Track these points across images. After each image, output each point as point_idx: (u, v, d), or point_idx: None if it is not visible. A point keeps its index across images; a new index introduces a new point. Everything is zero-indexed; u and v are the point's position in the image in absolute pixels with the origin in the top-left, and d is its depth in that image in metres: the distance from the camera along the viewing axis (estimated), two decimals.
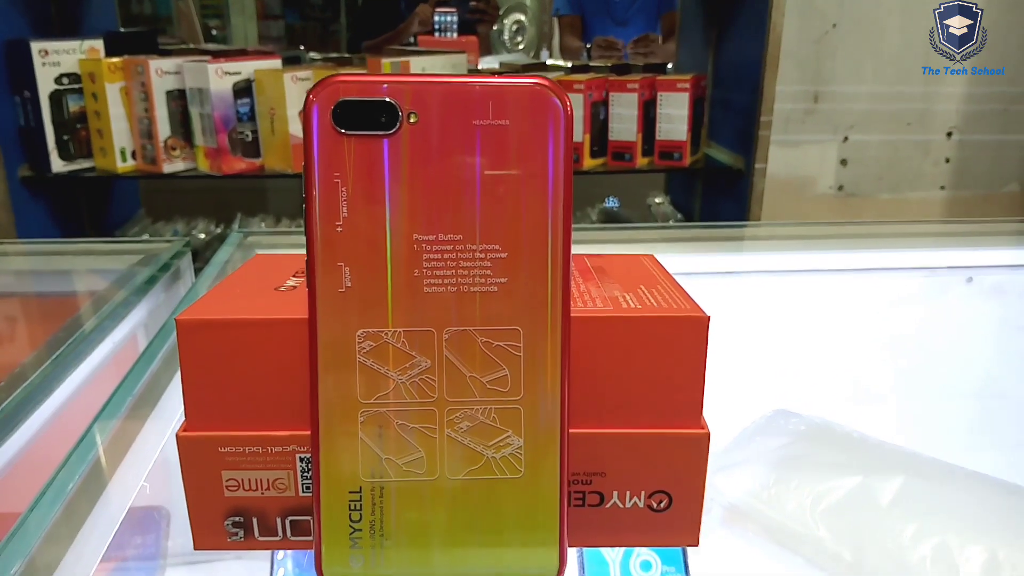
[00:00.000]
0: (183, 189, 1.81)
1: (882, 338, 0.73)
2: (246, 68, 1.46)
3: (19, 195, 1.46)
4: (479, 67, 2.11)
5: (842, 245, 0.82)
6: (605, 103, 1.55)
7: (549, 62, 2.14)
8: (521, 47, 3.34)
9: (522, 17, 3.40)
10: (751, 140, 1.49)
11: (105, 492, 0.45)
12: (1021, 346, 0.76)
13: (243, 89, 1.46)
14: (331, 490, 0.30)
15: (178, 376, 0.32)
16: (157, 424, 0.51)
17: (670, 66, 2.04)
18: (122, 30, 1.92)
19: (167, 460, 0.49)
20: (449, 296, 0.29)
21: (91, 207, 1.72)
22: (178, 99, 1.47)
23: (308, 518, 0.33)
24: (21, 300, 0.79)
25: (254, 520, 0.33)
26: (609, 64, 1.78)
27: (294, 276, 0.37)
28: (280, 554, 0.52)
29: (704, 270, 0.77)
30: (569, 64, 1.94)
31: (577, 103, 1.51)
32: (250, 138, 1.49)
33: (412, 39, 2.44)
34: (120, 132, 1.47)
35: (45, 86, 1.43)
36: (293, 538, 0.33)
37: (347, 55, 1.88)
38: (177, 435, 0.32)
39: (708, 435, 0.32)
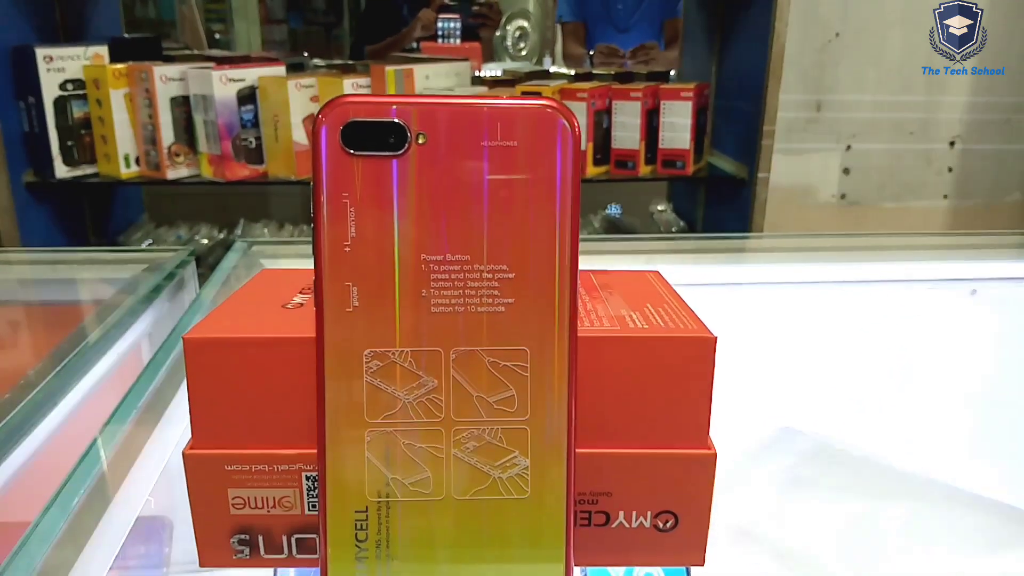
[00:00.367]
0: (186, 195, 1.81)
1: (885, 351, 0.73)
2: (250, 75, 1.47)
3: (23, 200, 1.46)
4: (482, 73, 2.11)
5: (845, 257, 0.82)
6: (608, 111, 1.55)
7: (552, 69, 2.14)
8: (524, 53, 3.35)
9: (525, 23, 3.41)
10: (754, 149, 1.50)
11: (111, 503, 0.45)
12: None
13: (247, 96, 1.46)
14: (337, 509, 0.30)
15: (183, 387, 0.32)
16: (162, 435, 0.51)
17: (673, 73, 2.04)
18: (126, 36, 1.92)
19: (170, 470, 0.50)
20: (456, 316, 0.29)
21: (95, 213, 1.72)
22: (182, 105, 1.48)
23: (314, 536, 0.33)
24: (26, 309, 0.79)
25: (260, 538, 0.33)
26: (612, 72, 1.78)
27: (301, 292, 0.37)
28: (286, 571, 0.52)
29: (707, 281, 0.77)
30: (572, 72, 1.94)
31: (580, 111, 1.51)
32: (254, 145, 1.49)
33: (415, 44, 2.44)
34: (124, 138, 1.47)
35: (49, 92, 1.43)
36: (299, 556, 0.34)
37: (351, 62, 1.88)
38: (183, 453, 0.32)
39: (715, 456, 0.32)
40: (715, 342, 0.32)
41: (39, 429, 0.54)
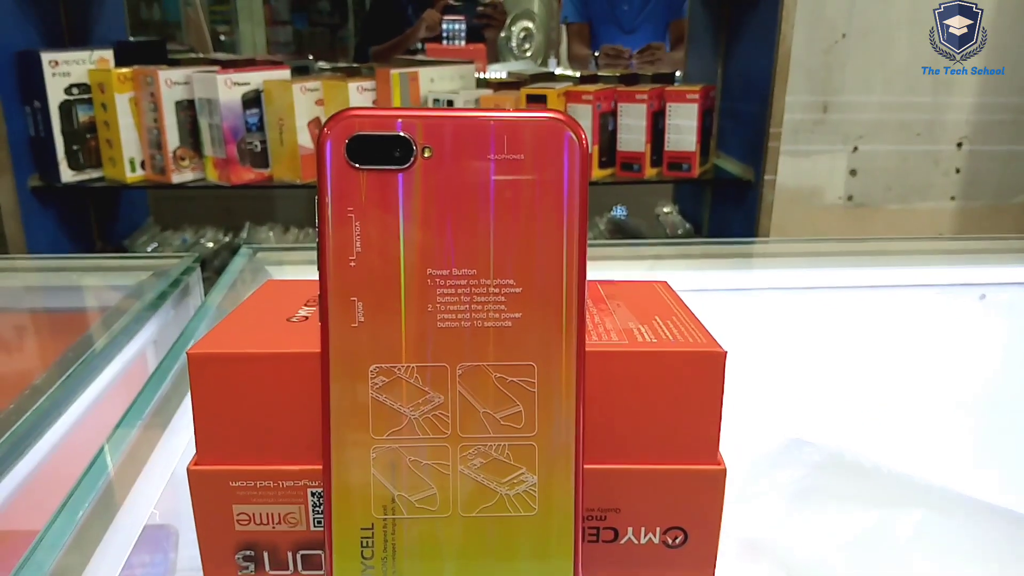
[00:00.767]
0: (192, 198, 1.81)
1: (894, 356, 0.73)
2: (255, 79, 1.47)
3: (29, 204, 1.46)
4: (487, 75, 2.11)
5: (852, 262, 0.82)
6: (614, 114, 1.55)
7: (557, 71, 2.14)
8: (529, 54, 3.35)
9: (530, 24, 3.41)
10: (760, 151, 1.49)
11: (118, 512, 0.45)
12: None
13: (252, 100, 1.46)
14: (343, 526, 0.30)
15: (188, 396, 0.32)
16: (168, 443, 0.51)
17: (679, 74, 2.04)
18: (131, 39, 1.93)
19: (176, 478, 0.49)
20: (463, 331, 0.29)
21: (100, 216, 1.72)
22: (187, 109, 1.48)
23: (319, 552, 0.33)
24: (32, 316, 0.79)
25: (265, 554, 0.33)
26: (618, 74, 1.78)
27: (306, 305, 0.37)
28: None
29: (714, 287, 0.77)
30: (578, 74, 1.93)
31: (586, 113, 1.51)
32: (259, 148, 1.49)
33: (420, 45, 2.44)
34: (129, 142, 1.48)
35: (55, 96, 1.43)
36: (305, 572, 0.33)
37: (355, 65, 1.88)
38: (188, 469, 0.32)
39: (724, 471, 0.32)
40: (725, 356, 0.31)
41: (45, 438, 0.54)
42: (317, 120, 1.48)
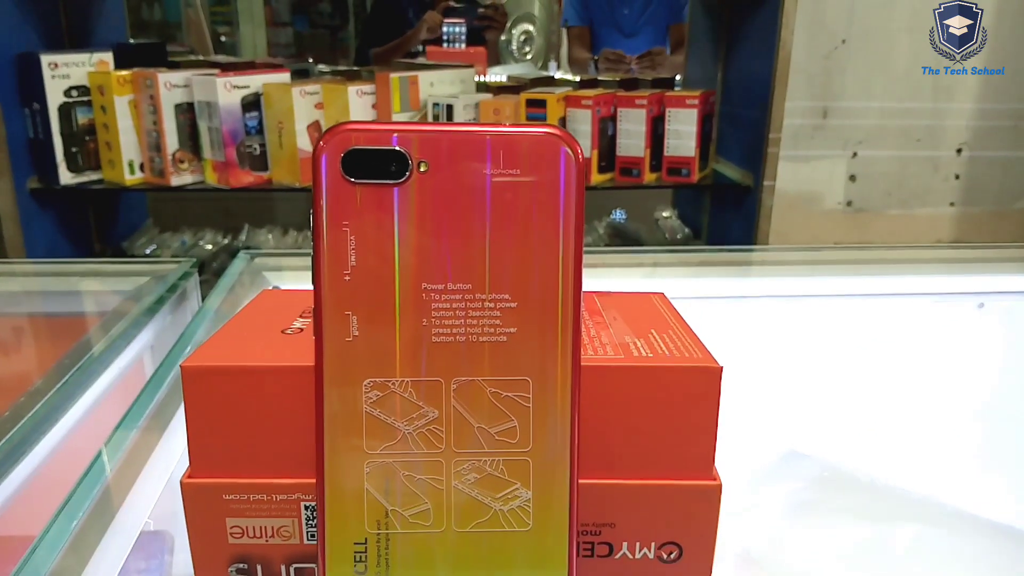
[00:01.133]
0: (191, 200, 1.81)
1: (891, 366, 0.73)
2: (255, 82, 1.46)
3: (27, 207, 1.46)
4: (487, 79, 2.11)
5: (851, 270, 0.82)
6: (613, 119, 1.55)
7: (557, 76, 2.14)
8: (529, 57, 3.35)
9: (530, 27, 3.41)
10: (760, 156, 1.49)
11: (115, 518, 0.45)
12: None
13: (252, 103, 1.46)
14: (336, 540, 0.30)
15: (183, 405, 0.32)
16: (165, 449, 0.51)
17: (678, 78, 2.04)
18: (132, 41, 1.93)
19: (172, 484, 0.49)
20: (458, 346, 0.29)
21: (99, 218, 1.72)
22: (187, 112, 1.47)
23: (313, 566, 0.33)
24: (28, 320, 0.79)
25: (258, 567, 0.33)
26: (617, 79, 1.78)
27: (301, 316, 0.37)
28: None
29: (711, 294, 0.77)
30: (577, 78, 1.93)
31: (585, 118, 1.51)
32: (258, 152, 1.49)
33: (421, 47, 2.44)
34: (128, 145, 1.47)
35: (54, 99, 1.43)
36: None
37: (355, 68, 1.88)
38: (181, 481, 0.32)
39: (720, 486, 0.32)
40: (721, 372, 0.31)
41: (42, 443, 0.54)
42: (316, 124, 1.48)
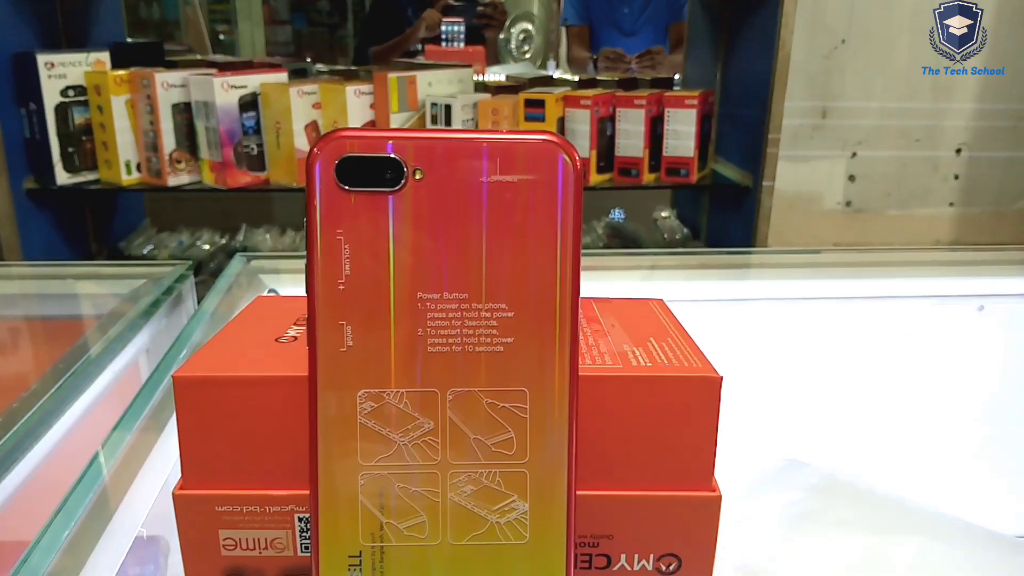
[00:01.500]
0: (188, 200, 1.81)
1: (891, 370, 0.72)
2: (252, 82, 1.46)
3: (24, 207, 1.46)
4: (485, 78, 2.10)
5: (850, 272, 0.81)
6: (612, 119, 1.54)
7: (556, 75, 2.14)
8: (528, 56, 3.35)
9: (529, 26, 3.41)
10: (759, 157, 1.49)
11: (110, 524, 0.44)
12: None
13: (249, 103, 1.46)
14: (330, 553, 0.29)
15: None
16: (160, 453, 0.51)
17: (677, 77, 2.03)
18: (129, 40, 1.92)
19: (167, 489, 0.49)
20: (453, 356, 0.29)
21: (96, 219, 1.72)
22: (184, 112, 1.47)
23: None
24: (23, 324, 0.78)
25: None
26: (616, 79, 1.78)
27: (295, 324, 0.36)
28: None
29: (709, 297, 0.76)
30: (576, 78, 1.93)
31: (584, 118, 1.51)
32: (255, 152, 1.49)
33: (419, 46, 2.44)
34: (125, 145, 1.47)
35: (51, 98, 1.43)
36: None
37: (353, 67, 1.88)
38: (173, 493, 0.32)
39: (719, 498, 0.32)
40: (720, 382, 0.31)
41: (37, 448, 0.53)
42: (314, 124, 1.48)
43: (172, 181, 1.48)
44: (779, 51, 1.44)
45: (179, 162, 1.48)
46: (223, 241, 1.77)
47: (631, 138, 1.54)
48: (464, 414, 0.29)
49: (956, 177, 1.70)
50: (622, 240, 1.80)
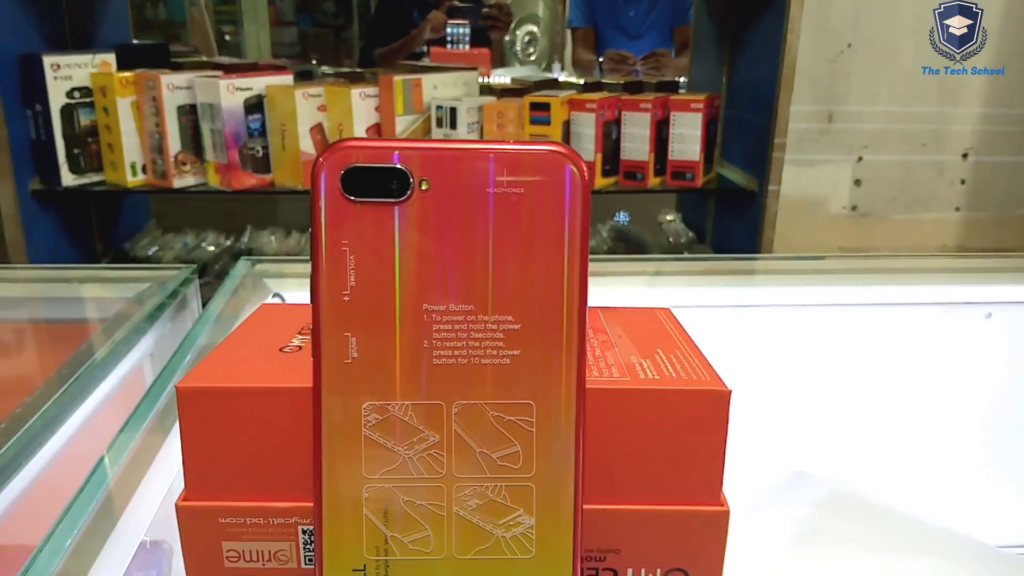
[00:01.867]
0: (194, 201, 1.81)
1: (898, 377, 0.72)
2: (257, 84, 1.46)
3: (29, 208, 1.46)
4: (491, 80, 2.10)
5: (856, 279, 0.81)
6: (617, 122, 1.54)
7: (561, 78, 2.13)
8: (533, 58, 3.35)
9: (534, 28, 3.41)
10: (764, 161, 1.48)
11: (114, 529, 0.44)
12: None
13: (254, 105, 1.46)
14: (334, 567, 0.29)
15: None
16: (165, 458, 0.51)
17: (683, 80, 2.03)
18: (134, 42, 1.92)
19: (171, 495, 0.49)
20: (459, 368, 0.28)
21: (101, 220, 1.72)
22: (189, 114, 1.47)
23: None
24: (27, 328, 0.78)
25: None
26: (621, 82, 1.77)
27: (299, 333, 0.36)
28: None
29: (715, 303, 0.76)
30: (582, 81, 1.93)
31: (589, 122, 1.50)
32: (261, 154, 1.48)
33: (425, 48, 2.43)
34: (131, 146, 1.47)
35: (57, 100, 1.43)
36: None
37: (359, 70, 1.88)
38: (176, 504, 0.31)
39: (728, 512, 0.31)
40: (729, 396, 0.30)
41: (41, 453, 0.53)
42: (319, 126, 1.48)
43: (177, 183, 1.48)
44: (785, 55, 1.43)
45: (184, 164, 1.48)
46: (228, 243, 1.77)
47: (636, 142, 1.54)
48: (470, 427, 0.29)
49: (963, 182, 1.70)
50: (627, 244, 1.80)
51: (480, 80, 1.70)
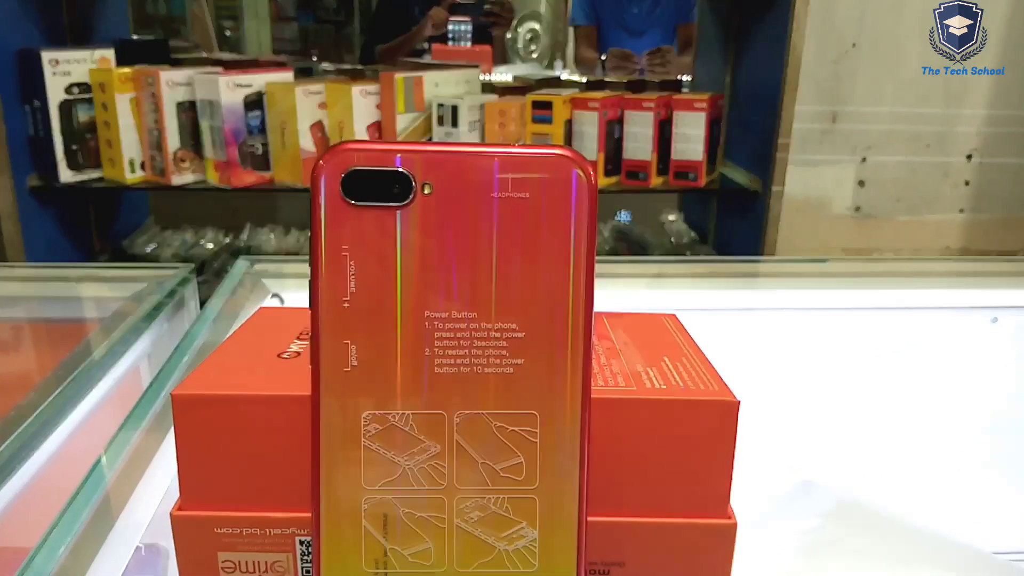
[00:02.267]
0: (193, 198, 1.80)
1: (902, 382, 0.71)
2: (257, 80, 1.45)
3: (27, 204, 1.45)
4: (492, 78, 2.09)
5: (861, 283, 0.80)
6: (620, 121, 1.53)
7: (564, 76, 2.12)
8: (535, 56, 3.34)
9: (536, 26, 3.40)
10: (768, 161, 1.47)
11: (111, 533, 0.44)
12: None
13: (254, 102, 1.45)
14: None
15: None
16: (162, 462, 0.50)
17: (687, 78, 2.02)
18: (134, 37, 1.91)
19: (168, 498, 0.48)
20: (461, 377, 0.28)
21: (100, 216, 1.71)
22: (188, 111, 1.46)
23: None
24: (24, 328, 0.77)
25: None
26: (624, 80, 1.76)
27: (298, 338, 0.35)
28: None
29: (719, 306, 0.75)
30: (584, 79, 1.92)
31: (592, 121, 1.49)
32: (260, 151, 1.48)
33: (426, 45, 2.43)
34: (129, 143, 1.46)
35: (55, 96, 1.42)
36: None
37: (360, 67, 1.87)
38: (171, 514, 0.31)
39: (735, 525, 0.30)
40: (738, 406, 0.30)
41: (37, 454, 0.53)
42: (320, 124, 1.47)
43: (176, 180, 1.47)
44: (789, 55, 1.42)
45: (183, 161, 1.47)
46: (227, 240, 1.76)
47: (639, 141, 1.53)
48: (472, 437, 0.28)
49: (967, 183, 1.69)
50: (629, 243, 1.79)
51: (482, 78, 1.69)
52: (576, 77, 2.12)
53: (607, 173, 1.55)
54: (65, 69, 1.42)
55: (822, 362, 0.71)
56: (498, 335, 0.27)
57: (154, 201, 1.93)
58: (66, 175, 1.46)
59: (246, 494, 0.30)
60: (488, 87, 1.69)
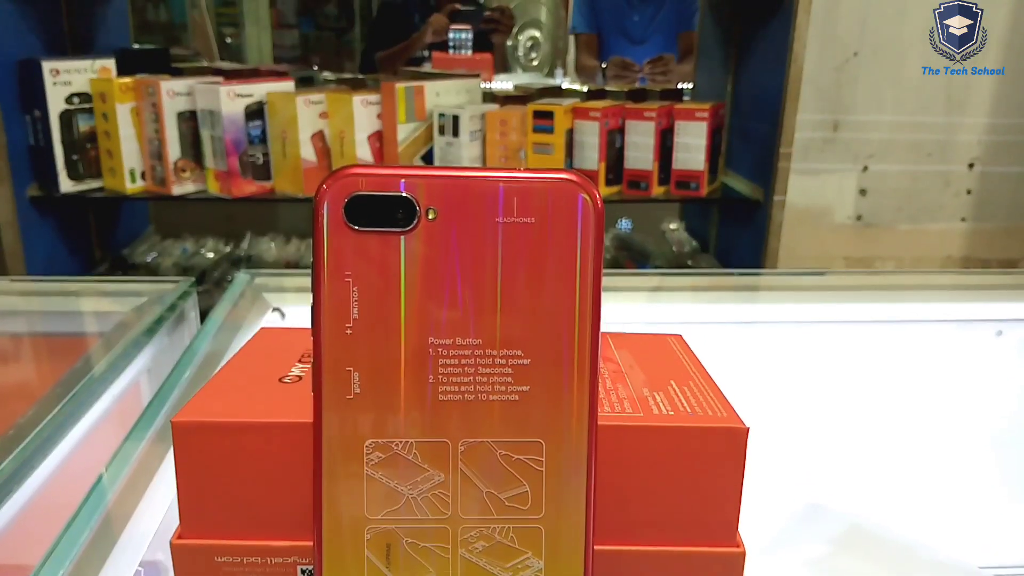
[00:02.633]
0: (193, 207, 1.80)
1: (907, 396, 0.71)
2: (258, 90, 1.45)
3: (27, 214, 1.45)
4: (493, 86, 2.09)
5: (863, 296, 0.80)
6: (621, 131, 1.53)
7: (564, 84, 2.12)
8: (535, 64, 3.34)
9: (537, 33, 3.40)
10: (770, 170, 1.47)
11: (112, 551, 0.43)
12: None
13: (255, 111, 1.45)
14: None
15: None
16: (162, 479, 0.50)
17: (689, 86, 2.02)
18: (135, 46, 1.91)
19: (169, 518, 0.48)
20: (466, 405, 0.27)
21: (100, 226, 1.71)
22: (189, 120, 1.46)
23: None
24: (23, 342, 0.77)
25: None
26: (625, 89, 1.76)
27: (300, 361, 0.35)
28: None
29: (722, 320, 0.75)
30: (585, 88, 1.92)
31: (593, 130, 1.49)
32: (261, 161, 1.47)
33: (427, 53, 2.42)
34: (130, 153, 1.46)
35: (55, 105, 1.42)
36: None
37: (360, 76, 1.87)
38: (171, 542, 0.30)
39: (744, 554, 0.30)
40: (747, 433, 0.29)
41: (38, 471, 0.52)
42: (320, 133, 1.47)
43: (176, 190, 1.47)
44: (791, 64, 1.42)
45: (184, 171, 1.47)
46: (227, 249, 1.76)
47: (640, 150, 1.53)
48: (476, 466, 0.27)
49: (968, 192, 1.69)
50: (630, 252, 1.79)
51: (482, 86, 1.68)
52: (577, 85, 2.12)
53: (608, 183, 1.54)
54: (66, 79, 1.42)
55: (825, 376, 0.70)
56: (503, 362, 0.27)
57: (154, 210, 1.92)
58: (66, 185, 1.46)
59: (247, 522, 0.30)
60: (489, 96, 1.68)
